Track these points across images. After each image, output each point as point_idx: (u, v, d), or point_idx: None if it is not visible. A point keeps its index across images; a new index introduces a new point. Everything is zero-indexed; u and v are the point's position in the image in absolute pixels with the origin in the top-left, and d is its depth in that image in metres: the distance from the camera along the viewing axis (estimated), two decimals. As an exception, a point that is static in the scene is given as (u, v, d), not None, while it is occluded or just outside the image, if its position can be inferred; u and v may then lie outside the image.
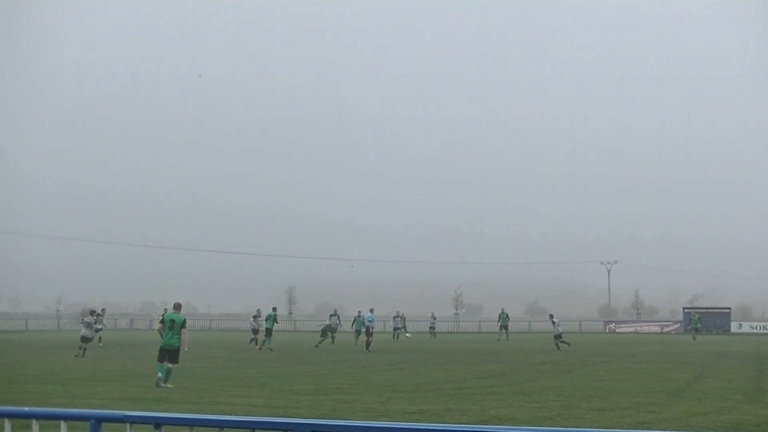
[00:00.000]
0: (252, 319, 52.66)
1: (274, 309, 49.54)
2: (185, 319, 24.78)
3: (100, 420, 7.01)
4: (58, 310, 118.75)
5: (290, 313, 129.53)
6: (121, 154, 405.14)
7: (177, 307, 25.35)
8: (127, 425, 6.93)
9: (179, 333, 24.30)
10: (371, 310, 50.25)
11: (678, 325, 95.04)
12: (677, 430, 15.36)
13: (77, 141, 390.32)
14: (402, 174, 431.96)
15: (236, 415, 15.42)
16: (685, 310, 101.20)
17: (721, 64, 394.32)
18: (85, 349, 39.53)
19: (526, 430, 6.12)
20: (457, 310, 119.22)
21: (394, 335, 64.11)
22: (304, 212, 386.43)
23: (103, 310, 59.33)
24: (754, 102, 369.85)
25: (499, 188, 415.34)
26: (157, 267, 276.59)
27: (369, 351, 44.83)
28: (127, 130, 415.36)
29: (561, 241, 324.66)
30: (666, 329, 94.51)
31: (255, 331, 51.12)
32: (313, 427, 6.43)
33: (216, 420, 6.77)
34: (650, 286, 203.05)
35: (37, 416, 7.24)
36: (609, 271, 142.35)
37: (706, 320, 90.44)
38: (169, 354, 24.14)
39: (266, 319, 48.15)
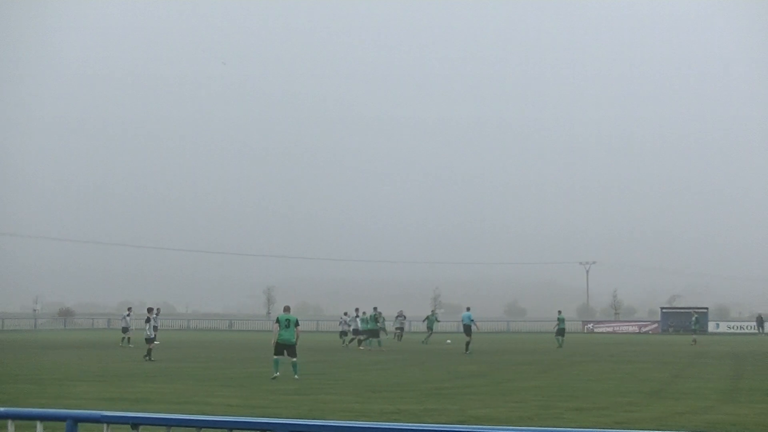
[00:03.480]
0: (355, 317, 51.71)
1: (375, 308, 50.68)
2: (297, 319, 27.98)
3: (76, 420, 6.95)
4: (35, 310, 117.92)
5: (268, 313, 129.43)
6: (98, 151, 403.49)
7: (287, 309, 28.68)
8: (104, 425, 6.87)
9: (294, 330, 27.36)
10: (468, 309, 47.95)
11: (656, 325, 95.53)
12: (656, 429, 15.40)
13: (53, 139, 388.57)
14: (381, 173, 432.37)
15: (214, 415, 15.34)
16: (663, 310, 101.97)
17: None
18: (149, 349, 37.59)
19: (506, 430, 6.11)
20: (435, 310, 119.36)
21: (395, 335, 60.54)
22: (282, 212, 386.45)
23: (129, 309, 58.13)
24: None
25: (478, 188, 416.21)
26: (135, 266, 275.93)
27: (468, 352, 43.12)
28: (107, 127, 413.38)
29: (540, 241, 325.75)
30: (644, 329, 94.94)
31: (354, 332, 50.81)
32: (292, 427, 6.39)
33: (194, 420, 6.73)
34: (628, 286, 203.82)
35: (13, 416, 7.16)
36: (587, 272, 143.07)
37: (684, 320, 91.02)
38: (288, 349, 27.20)
39: (370, 320, 49.60)
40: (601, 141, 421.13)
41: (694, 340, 59.45)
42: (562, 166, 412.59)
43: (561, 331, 53.57)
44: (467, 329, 45.26)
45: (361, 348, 48.59)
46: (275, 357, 27.08)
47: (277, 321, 27.66)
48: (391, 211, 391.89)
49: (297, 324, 27.60)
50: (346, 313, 57.05)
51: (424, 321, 65.68)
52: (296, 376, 26.52)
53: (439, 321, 63.41)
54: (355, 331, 50.48)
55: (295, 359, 27.10)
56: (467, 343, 44.13)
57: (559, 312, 56.50)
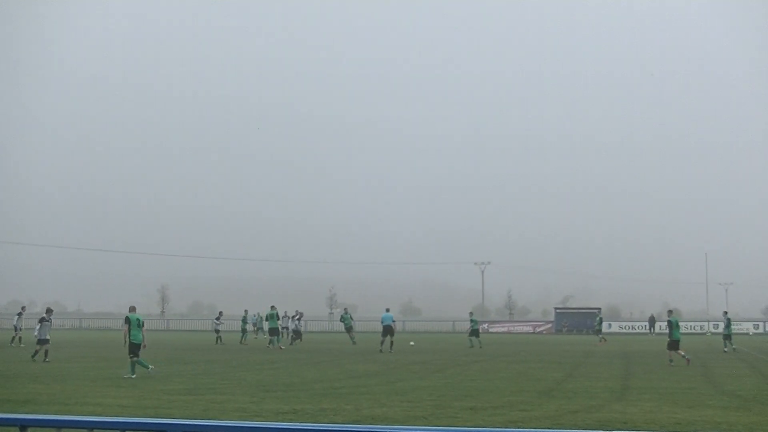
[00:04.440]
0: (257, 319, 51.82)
1: (273, 307, 50.49)
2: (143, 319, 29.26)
3: (-39, 422, 6.79)
4: None
5: (162, 312, 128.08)
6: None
7: (133, 309, 29.71)
8: (-9, 427, 6.72)
9: (142, 330, 28.27)
10: (388, 310, 48.97)
11: (550, 325, 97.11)
12: (549, 428, 15.64)
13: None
14: (272, 171, 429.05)
15: (106, 416, 15.14)
16: (557, 310, 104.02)
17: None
18: (46, 350, 36.33)
19: (400, 429, 6.15)
20: (331, 309, 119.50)
21: (291, 337, 59.42)
22: (176, 209, 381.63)
23: (23, 308, 57.21)
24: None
25: (372, 187, 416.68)
26: (25, 264, 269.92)
27: (392, 351, 44.26)
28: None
29: (435, 241, 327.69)
30: (538, 329, 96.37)
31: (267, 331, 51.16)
32: (185, 427, 6.34)
33: (85, 421, 6.62)
34: (523, 286, 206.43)
35: None
36: (483, 272, 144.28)
37: (577, 320, 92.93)
38: (137, 348, 27.67)
39: (269, 319, 49.61)
40: (497, 142, 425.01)
41: (603, 339, 61.37)
42: (455, 167, 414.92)
43: (475, 332, 54.15)
44: (388, 329, 46.06)
45: (269, 347, 48.42)
46: (138, 358, 27.69)
47: (128, 321, 28.29)
48: (284, 209, 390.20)
49: (143, 324, 28.67)
50: (221, 312, 60.30)
51: (340, 321, 65.43)
52: (133, 376, 26.83)
53: (353, 321, 62.63)
54: (267, 330, 50.64)
55: (137, 358, 27.63)
56: (391, 342, 45.45)
57: (471, 313, 57.89)
